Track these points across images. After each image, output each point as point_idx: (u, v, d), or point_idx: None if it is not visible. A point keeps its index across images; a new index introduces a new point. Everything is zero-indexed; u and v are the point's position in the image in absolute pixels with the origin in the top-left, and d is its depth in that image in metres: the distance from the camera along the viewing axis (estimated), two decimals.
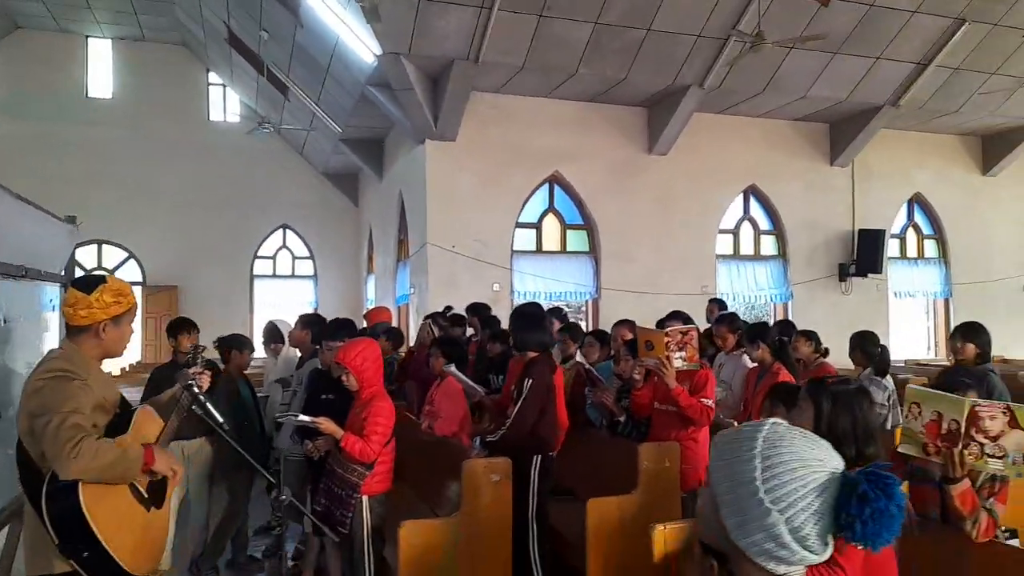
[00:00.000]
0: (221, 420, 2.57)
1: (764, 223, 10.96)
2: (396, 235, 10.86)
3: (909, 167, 11.31)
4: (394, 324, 8.58)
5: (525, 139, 9.47)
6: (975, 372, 3.38)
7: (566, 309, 8.86)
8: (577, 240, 9.93)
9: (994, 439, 2.38)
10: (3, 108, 12.84)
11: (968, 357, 4.79)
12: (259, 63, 11.19)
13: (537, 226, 9.76)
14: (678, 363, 3.78)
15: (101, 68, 13.66)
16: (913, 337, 12.17)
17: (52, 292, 3.69)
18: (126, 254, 13.65)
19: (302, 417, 3.41)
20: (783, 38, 7.89)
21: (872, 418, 2.21)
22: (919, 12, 8.70)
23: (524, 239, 9.66)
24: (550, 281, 9.54)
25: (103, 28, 13.24)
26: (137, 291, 13.37)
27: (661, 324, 5.01)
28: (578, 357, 4.72)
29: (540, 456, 3.77)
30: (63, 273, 3.85)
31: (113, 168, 13.25)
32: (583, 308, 10.11)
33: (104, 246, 13.52)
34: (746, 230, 10.85)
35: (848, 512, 1.07)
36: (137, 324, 12.16)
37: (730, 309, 7.14)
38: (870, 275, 10.65)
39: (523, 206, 9.60)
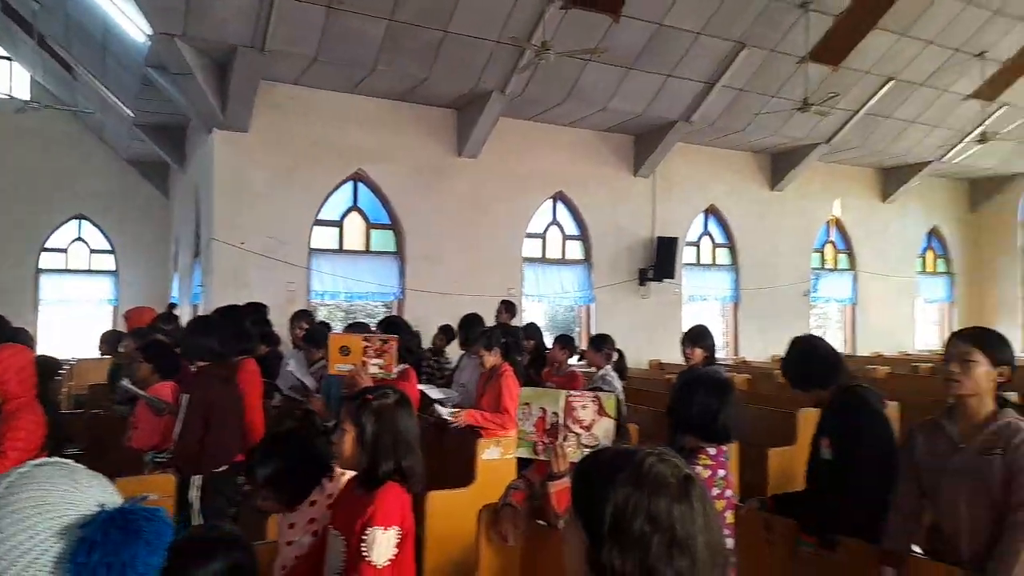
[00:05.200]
0: None
1: (571, 228, 11.30)
2: (194, 230, 10.17)
3: (706, 179, 12.08)
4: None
5: (327, 134, 9.16)
6: (699, 372, 3.58)
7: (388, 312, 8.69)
8: (383, 240, 9.74)
9: (588, 428, 2.50)
10: None
11: (697, 359, 5.25)
12: (37, 36, 10.09)
13: (339, 224, 9.46)
14: (374, 369, 3.70)
15: None
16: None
17: None
18: None
19: None
20: (572, 49, 8.15)
21: (411, 429, 2.21)
22: (703, 34, 9.27)
23: (325, 237, 9.34)
24: (351, 281, 9.28)
25: None
26: None
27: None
28: (291, 367, 4.53)
29: (202, 475, 3.53)
30: None
31: None
32: (389, 309, 9.93)
33: None
34: (554, 234, 11.13)
35: (74, 561, 0.91)
36: None
37: (527, 309, 7.29)
38: (666, 280, 11.27)
39: (323, 203, 9.28)
